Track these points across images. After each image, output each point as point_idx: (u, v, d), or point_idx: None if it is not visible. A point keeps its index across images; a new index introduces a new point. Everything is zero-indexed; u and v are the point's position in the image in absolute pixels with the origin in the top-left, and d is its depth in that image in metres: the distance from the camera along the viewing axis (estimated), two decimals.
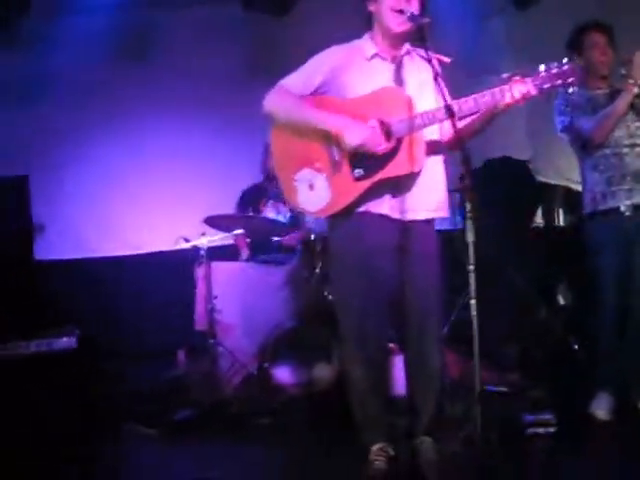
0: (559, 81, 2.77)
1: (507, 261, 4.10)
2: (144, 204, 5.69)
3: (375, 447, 2.98)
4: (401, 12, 2.84)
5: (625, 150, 3.64)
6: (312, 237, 4.68)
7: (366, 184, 2.87)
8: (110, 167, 5.68)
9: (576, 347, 4.00)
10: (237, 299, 4.62)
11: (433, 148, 2.97)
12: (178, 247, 4.57)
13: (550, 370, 4.20)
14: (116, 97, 5.61)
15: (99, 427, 3.80)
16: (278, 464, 3.44)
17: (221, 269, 4.62)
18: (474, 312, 2.62)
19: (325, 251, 4.66)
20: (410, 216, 2.94)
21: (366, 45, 3.01)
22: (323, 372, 4.39)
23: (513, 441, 3.35)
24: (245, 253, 5.19)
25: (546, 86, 2.78)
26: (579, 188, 3.90)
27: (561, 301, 4.70)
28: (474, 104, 2.79)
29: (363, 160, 2.86)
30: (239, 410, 4.15)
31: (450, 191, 3.08)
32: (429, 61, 2.82)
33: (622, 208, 3.60)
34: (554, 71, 2.76)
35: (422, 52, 2.98)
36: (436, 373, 3.03)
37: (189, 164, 5.75)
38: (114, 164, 5.69)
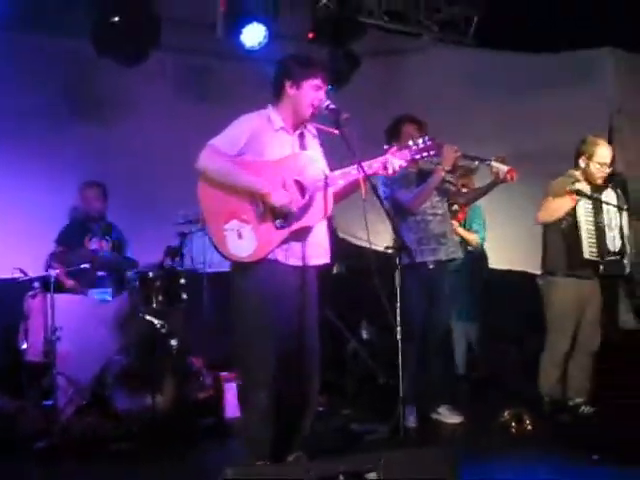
0: (425, 153, 3.55)
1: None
2: None
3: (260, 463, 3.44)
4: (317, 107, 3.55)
5: (429, 217, 4.74)
6: (150, 274, 5.05)
7: (285, 233, 3.46)
8: None
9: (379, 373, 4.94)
10: (75, 330, 4.79)
11: None
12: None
13: (357, 392, 5.12)
14: None
15: None
16: None
17: (61, 301, 4.76)
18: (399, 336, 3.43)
19: (161, 288, 5.09)
20: (309, 262, 3.58)
21: (274, 118, 3.62)
22: (159, 400, 4.79)
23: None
24: (69, 286, 5.30)
25: (417, 157, 3.57)
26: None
27: (364, 335, 5.67)
28: (375, 168, 3.51)
29: (283, 212, 3.46)
30: (92, 437, 4.40)
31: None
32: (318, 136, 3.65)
33: (428, 263, 4.68)
34: (421, 146, 3.53)
35: (312, 128, 3.74)
36: (316, 396, 3.69)
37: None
38: None
